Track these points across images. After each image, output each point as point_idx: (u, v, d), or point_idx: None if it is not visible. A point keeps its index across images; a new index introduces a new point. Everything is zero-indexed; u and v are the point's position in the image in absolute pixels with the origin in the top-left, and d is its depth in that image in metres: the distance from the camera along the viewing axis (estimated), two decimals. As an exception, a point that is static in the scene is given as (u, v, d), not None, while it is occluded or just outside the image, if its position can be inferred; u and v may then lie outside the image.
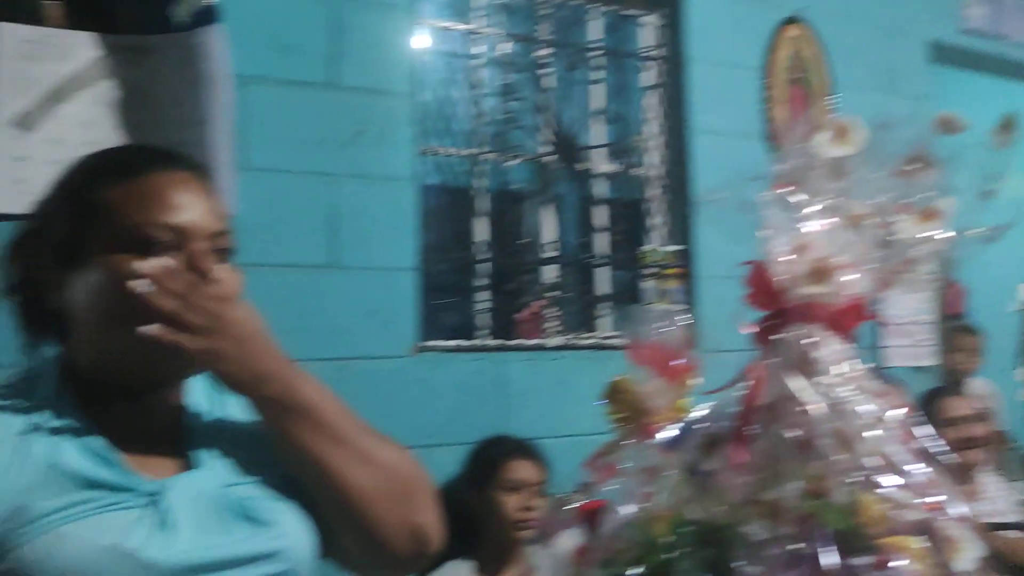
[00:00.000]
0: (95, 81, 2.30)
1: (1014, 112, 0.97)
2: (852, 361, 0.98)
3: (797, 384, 0.95)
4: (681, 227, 3.14)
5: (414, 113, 2.67)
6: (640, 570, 0.92)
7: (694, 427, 1.02)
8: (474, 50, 2.86)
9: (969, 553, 0.89)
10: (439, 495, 2.68)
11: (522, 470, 2.43)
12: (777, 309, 1.03)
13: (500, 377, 2.74)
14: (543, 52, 2.95)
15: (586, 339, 2.97)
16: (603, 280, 3.10)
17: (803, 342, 0.96)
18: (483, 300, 2.84)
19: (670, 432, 1.07)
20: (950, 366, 3.61)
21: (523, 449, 2.49)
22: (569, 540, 1.30)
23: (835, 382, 0.96)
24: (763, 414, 0.97)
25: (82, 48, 2.26)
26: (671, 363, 1.42)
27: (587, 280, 3.05)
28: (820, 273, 0.99)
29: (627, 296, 3.07)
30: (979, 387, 3.80)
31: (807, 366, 0.96)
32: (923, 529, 0.90)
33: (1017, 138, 0.97)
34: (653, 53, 3.21)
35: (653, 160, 3.16)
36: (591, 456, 1.43)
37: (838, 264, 0.99)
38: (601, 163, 3.12)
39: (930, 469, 0.93)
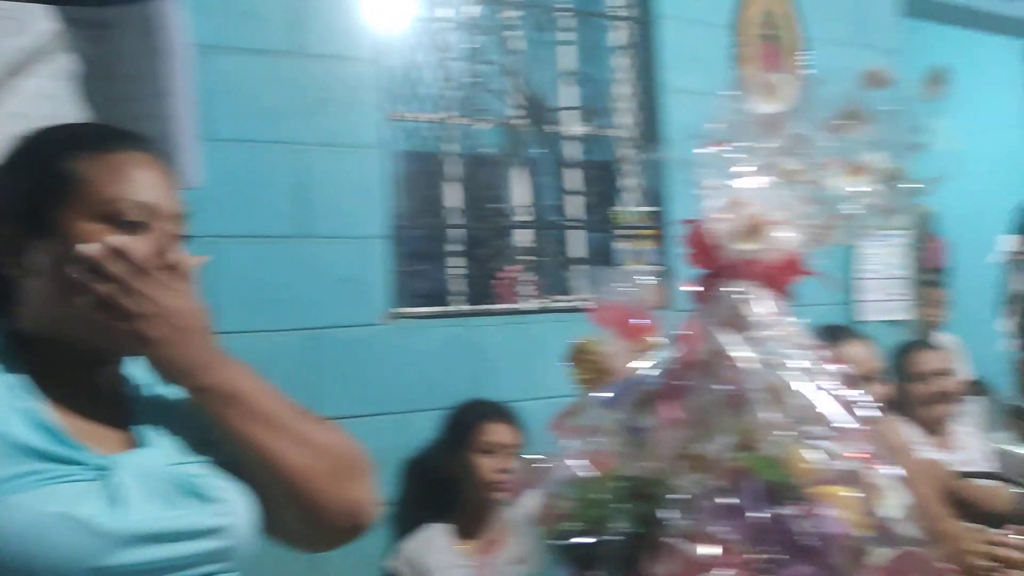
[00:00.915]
0: (55, 54, 2.28)
1: (943, 65, 0.97)
2: (785, 317, 0.99)
3: (729, 340, 0.96)
4: (654, 188, 3.13)
5: (380, 79, 2.65)
6: (576, 527, 0.94)
7: (632, 384, 1.03)
8: (439, 13, 2.83)
9: (894, 500, 0.91)
10: (414, 461, 2.70)
11: (497, 433, 2.46)
12: (714, 267, 1.03)
13: (475, 342, 2.75)
14: (510, 14, 2.92)
15: (561, 302, 2.98)
16: (578, 243, 3.10)
17: (735, 298, 0.97)
18: (457, 266, 2.84)
19: (608, 390, 1.08)
20: (921, 319, 3.65)
21: (498, 412, 2.51)
22: (533, 501, 1.32)
23: (768, 337, 0.97)
24: (698, 370, 0.98)
25: (40, 21, 2.24)
26: (631, 323, 1.44)
27: (562, 243, 3.05)
28: (754, 230, 1.00)
29: (602, 259, 3.07)
30: (945, 341, 3.84)
31: (740, 322, 0.97)
32: (851, 479, 0.91)
33: (947, 91, 0.97)
34: (623, 12, 3.18)
35: (625, 121, 3.14)
36: (555, 417, 1.45)
37: (772, 220, 1.00)
38: (573, 125, 3.11)
39: (858, 420, 0.94)
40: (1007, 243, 4.92)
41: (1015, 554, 1.82)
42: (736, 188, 1.01)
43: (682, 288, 1.06)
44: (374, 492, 1.13)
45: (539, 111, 2.95)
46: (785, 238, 1.00)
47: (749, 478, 0.91)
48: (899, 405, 2.81)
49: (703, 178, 1.03)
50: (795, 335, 0.99)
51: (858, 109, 0.99)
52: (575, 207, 3.06)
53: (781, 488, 0.90)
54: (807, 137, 1.00)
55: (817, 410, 0.93)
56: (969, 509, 2.49)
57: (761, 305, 0.99)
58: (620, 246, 3.08)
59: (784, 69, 3.20)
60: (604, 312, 1.43)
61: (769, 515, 0.89)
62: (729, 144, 1.03)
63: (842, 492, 0.91)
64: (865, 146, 0.99)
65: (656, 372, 1.04)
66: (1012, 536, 1.86)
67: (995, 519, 2.15)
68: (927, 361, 2.97)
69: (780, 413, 0.92)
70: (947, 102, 0.97)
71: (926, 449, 2.75)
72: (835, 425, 0.92)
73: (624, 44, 3.15)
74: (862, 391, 0.98)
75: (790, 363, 0.96)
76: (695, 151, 1.04)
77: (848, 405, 0.94)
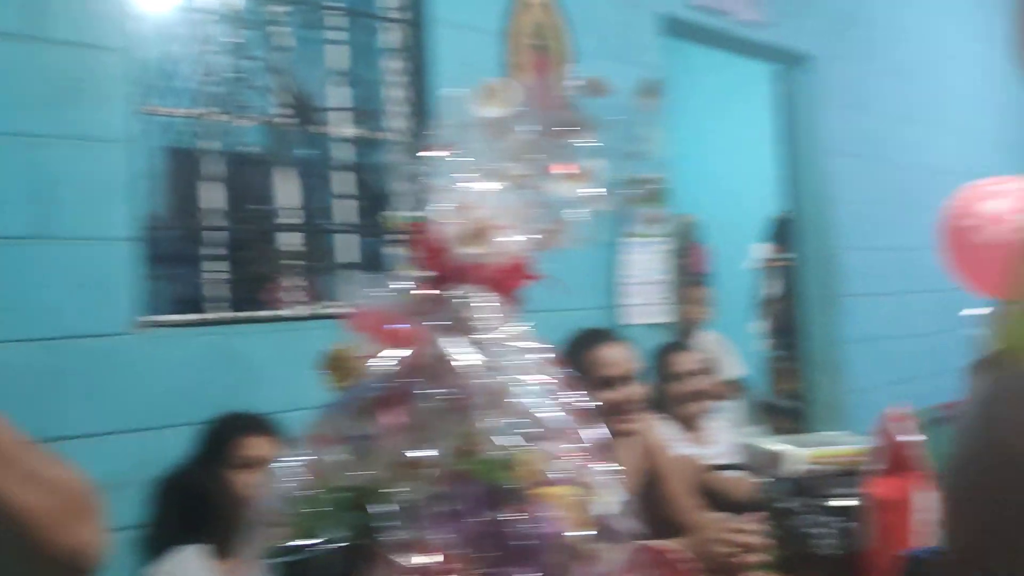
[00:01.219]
0: None
1: (658, 77, 1.00)
2: (509, 320, 1.00)
3: (452, 344, 0.95)
4: (425, 192, 3.12)
5: (131, 70, 2.48)
6: (294, 539, 0.89)
7: (358, 391, 1.00)
8: (199, 3, 2.69)
9: (608, 498, 0.93)
10: (167, 480, 2.53)
11: (255, 446, 2.35)
12: (441, 270, 1.02)
13: (236, 351, 2.62)
14: (277, 9, 2.82)
15: (330, 308, 2.90)
16: (349, 248, 3.04)
17: (458, 302, 0.97)
18: (216, 270, 2.70)
19: (338, 397, 1.04)
20: (682, 319, 3.86)
21: (258, 425, 2.40)
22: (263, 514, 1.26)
23: (491, 341, 0.97)
24: (422, 375, 0.96)
25: None
26: (386, 329, 1.41)
27: (331, 248, 2.97)
28: (480, 233, 1.00)
29: (373, 264, 3.02)
30: (708, 339, 4.09)
31: (463, 326, 0.96)
32: (569, 479, 0.93)
33: (661, 102, 1.01)
34: (395, 15, 3.15)
35: (397, 124, 3.12)
36: (311, 427, 1.40)
37: (496, 225, 1.00)
38: (342, 127, 3.04)
39: (577, 422, 0.96)
40: (760, 251, 5.34)
41: (752, 538, 1.95)
42: (463, 192, 1.00)
43: (410, 292, 1.04)
44: (102, 533, 1.06)
45: (306, 111, 2.87)
46: (511, 242, 1.00)
47: (468, 483, 0.90)
48: (657, 404, 2.96)
49: (430, 181, 1.01)
50: (519, 339, 0.99)
51: (581, 116, 1.01)
52: (345, 211, 3.00)
53: (501, 492, 0.90)
54: (532, 142, 1.01)
55: (536, 412, 0.93)
56: (718, 499, 2.66)
57: (486, 309, 0.99)
58: (392, 251, 3.05)
59: (552, 79, 3.29)
60: (359, 318, 1.40)
61: (488, 519, 0.89)
62: (457, 147, 1.02)
63: (560, 492, 0.92)
64: (587, 152, 1.02)
65: (382, 378, 1.02)
66: (750, 522, 2.00)
67: (739, 507, 2.30)
68: (683, 362, 3.15)
69: (501, 416, 0.92)
70: (672, 113, 1.01)
71: (682, 445, 2.91)
72: (553, 427, 0.93)
73: (396, 47, 3.13)
74: (583, 393, 1.00)
75: (513, 367, 0.96)
76: (420, 154, 1.02)
77: (568, 406, 0.96)
